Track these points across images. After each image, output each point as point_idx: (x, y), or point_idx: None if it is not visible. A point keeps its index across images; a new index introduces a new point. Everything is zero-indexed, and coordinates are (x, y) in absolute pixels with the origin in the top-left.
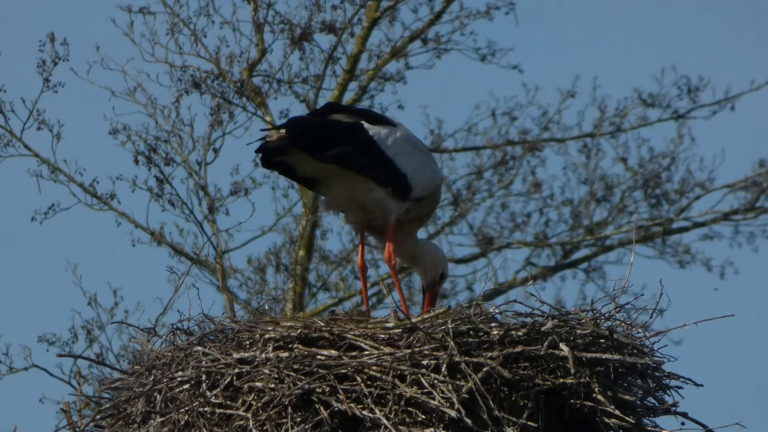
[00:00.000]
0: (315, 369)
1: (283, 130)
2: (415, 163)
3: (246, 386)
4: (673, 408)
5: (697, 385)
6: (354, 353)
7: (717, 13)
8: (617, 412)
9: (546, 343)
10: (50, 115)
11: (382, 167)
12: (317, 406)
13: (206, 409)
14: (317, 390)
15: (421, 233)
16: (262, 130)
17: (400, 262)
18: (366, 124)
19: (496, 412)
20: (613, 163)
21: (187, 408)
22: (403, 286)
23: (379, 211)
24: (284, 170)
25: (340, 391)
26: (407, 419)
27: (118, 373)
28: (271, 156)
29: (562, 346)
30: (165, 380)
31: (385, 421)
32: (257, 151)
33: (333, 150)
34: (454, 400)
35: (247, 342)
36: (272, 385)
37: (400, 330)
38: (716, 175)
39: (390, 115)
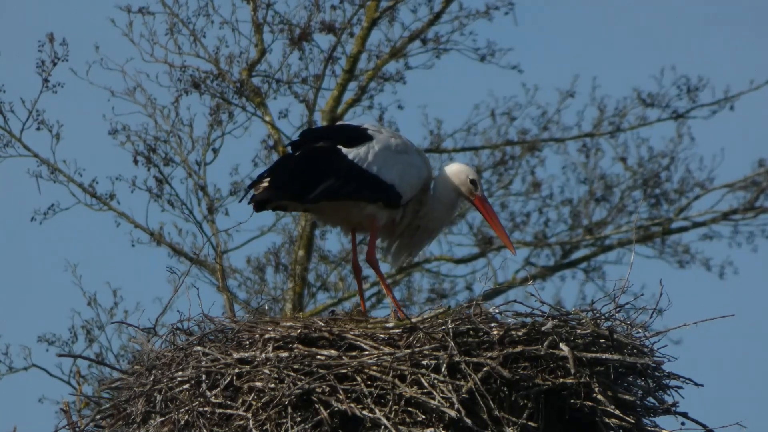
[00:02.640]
0: (315, 369)
1: (266, 182)
2: (399, 169)
3: (246, 386)
4: (673, 408)
5: (697, 385)
6: (354, 353)
7: (717, 13)
8: (617, 412)
9: (546, 343)
10: (50, 115)
11: (369, 187)
12: (317, 406)
13: (206, 409)
14: (317, 390)
15: None
16: (249, 187)
17: (396, 263)
18: (344, 150)
19: (496, 412)
20: (612, 162)
21: (187, 408)
22: (402, 287)
23: (370, 221)
24: (278, 208)
25: (340, 391)
26: (407, 419)
27: (118, 373)
28: (263, 205)
29: (562, 346)
30: (165, 380)
31: (385, 421)
32: (249, 203)
33: (317, 189)
34: (454, 400)
35: (247, 342)
36: (272, 385)
37: (400, 330)
38: (715, 175)
39: (388, 116)
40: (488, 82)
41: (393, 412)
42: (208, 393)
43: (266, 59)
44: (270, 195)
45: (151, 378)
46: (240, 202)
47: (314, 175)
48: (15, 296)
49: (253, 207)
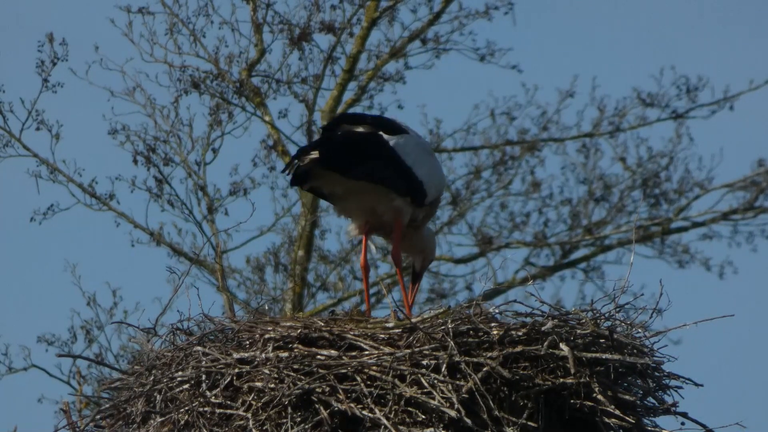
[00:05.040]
0: (315, 369)
1: (315, 153)
2: (428, 169)
3: (246, 386)
4: (673, 408)
5: (697, 385)
6: (354, 353)
7: (716, 12)
8: (617, 412)
9: (546, 343)
10: (49, 115)
11: (404, 178)
12: (317, 406)
13: (206, 409)
14: (317, 390)
15: None
16: (293, 157)
17: (404, 258)
18: (385, 136)
19: (496, 412)
20: (611, 162)
21: (187, 408)
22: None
23: (393, 217)
24: (312, 190)
25: (340, 391)
26: (407, 419)
27: (118, 373)
28: (304, 178)
29: (562, 346)
30: (165, 380)
31: (385, 421)
32: (292, 174)
33: (362, 167)
34: (454, 400)
35: (247, 342)
36: (272, 385)
37: (400, 330)
38: (715, 175)
39: (389, 115)
40: (488, 82)
41: (393, 412)
42: (208, 393)
43: (266, 59)
44: (316, 165)
45: (151, 378)
46: (284, 171)
47: (360, 153)
48: (15, 296)
49: (292, 179)
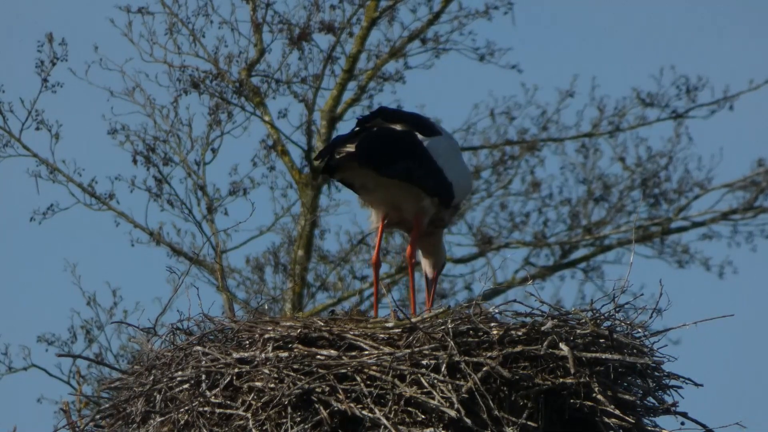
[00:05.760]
0: (315, 369)
1: (351, 147)
2: (458, 170)
3: (246, 386)
4: (673, 408)
5: (696, 384)
6: (354, 353)
7: (716, 12)
8: (617, 412)
9: (546, 343)
10: (49, 115)
11: (435, 178)
12: (317, 405)
13: (206, 408)
14: (317, 390)
15: None
16: (329, 147)
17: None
18: (420, 136)
19: (496, 412)
20: (611, 162)
21: (186, 408)
22: (401, 286)
23: (415, 215)
24: (343, 180)
25: (340, 391)
26: (407, 419)
27: (118, 372)
28: (335, 170)
29: (561, 345)
30: (165, 380)
31: (384, 420)
32: (325, 162)
33: (396, 166)
34: (454, 399)
35: (247, 342)
36: (272, 385)
37: (400, 330)
38: (715, 175)
39: None
40: (487, 81)
41: (393, 412)
42: (207, 393)
43: (265, 59)
44: (351, 159)
45: (151, 378)
46: (316, 159)
47: (395, 151)
48: (14, 296)
49: (325, 169)
